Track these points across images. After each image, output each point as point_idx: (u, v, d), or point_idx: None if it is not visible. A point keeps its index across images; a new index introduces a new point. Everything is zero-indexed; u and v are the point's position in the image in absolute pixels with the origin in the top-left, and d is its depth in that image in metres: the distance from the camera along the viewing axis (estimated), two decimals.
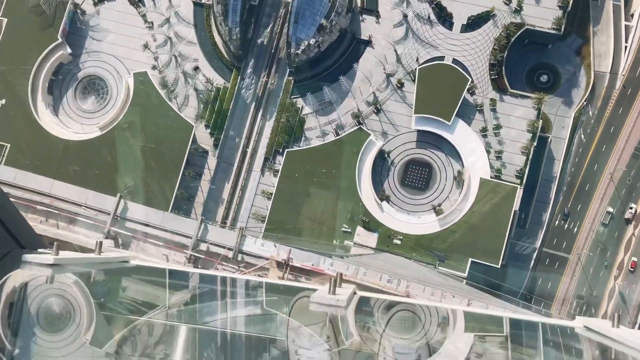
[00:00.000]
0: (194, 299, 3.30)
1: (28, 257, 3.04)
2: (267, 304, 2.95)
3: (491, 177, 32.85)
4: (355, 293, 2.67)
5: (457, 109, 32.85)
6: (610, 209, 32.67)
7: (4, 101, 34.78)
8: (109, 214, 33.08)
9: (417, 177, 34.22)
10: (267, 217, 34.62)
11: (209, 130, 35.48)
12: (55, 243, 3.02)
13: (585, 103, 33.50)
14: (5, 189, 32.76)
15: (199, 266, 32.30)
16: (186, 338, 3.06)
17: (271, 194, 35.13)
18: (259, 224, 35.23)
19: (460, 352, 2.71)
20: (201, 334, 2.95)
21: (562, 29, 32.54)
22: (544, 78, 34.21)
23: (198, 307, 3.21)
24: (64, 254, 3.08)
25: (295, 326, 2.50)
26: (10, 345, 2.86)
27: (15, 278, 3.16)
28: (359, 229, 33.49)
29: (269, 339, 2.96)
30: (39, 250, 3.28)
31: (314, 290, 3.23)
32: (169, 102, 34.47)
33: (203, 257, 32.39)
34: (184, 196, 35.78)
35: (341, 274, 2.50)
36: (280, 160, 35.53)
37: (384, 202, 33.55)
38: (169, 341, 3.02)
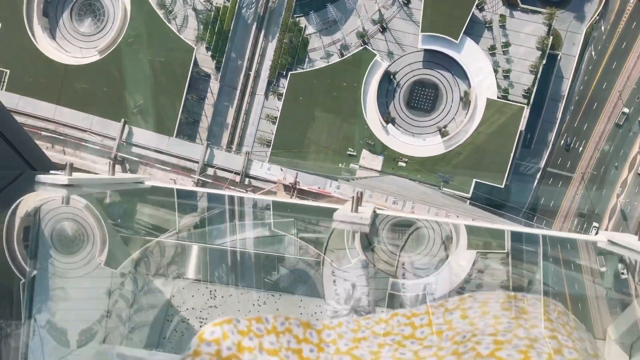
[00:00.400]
0: (203, 221, 3.38)
1: (42, 177, 3.04)
2: (275, 225, 3.02)
3: (498, 97, 32.16)
4: (375, 212, 2.70)
5: (465, 27, 31.75)
6: (626, 110, 31.99)
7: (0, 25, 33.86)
8: (114, 139, 33.18)
9: (423, 98, 33.59)
10: (272, 142, 34.48)
11: (210, 53, 34.61)
12: (68, 163, 3.01)
13: (597, 18, 32.13)
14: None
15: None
16: (197, 259, 3.17)
17: (276, 118, 34.69)
18: (264, 148, 35.17)
19: (463, 269, 2.80)
20: (212, 254, 3.06)
21: None
22: None
23: (208, 229, 3.29)
24: (78, 175, 3.10)
25: (334, 245, 2.62)
26: (29, 267, 2.97)
27: (27, 202, 3.22)
28: (364, 152, 33.43)
29: (277, 258, 3.06)
30: (52, 172, 3.29)
31: (333, 209, 3.30)
32: (167, 24, 33.38)
33: (210, 181, 32.65)
34: (188, 121, 35.46)
35: (361, 193, 2.52)
36: (284, 83, 34.78)
37: (390, 125, 33.19)
38: (181, 261, 3.14)
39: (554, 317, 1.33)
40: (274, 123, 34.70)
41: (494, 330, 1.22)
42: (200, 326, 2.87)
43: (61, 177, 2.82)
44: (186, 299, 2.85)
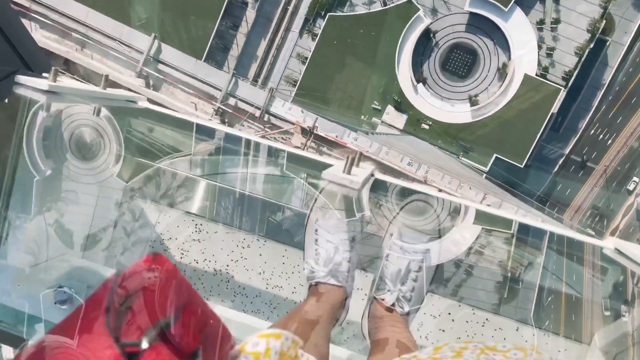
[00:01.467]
0: (218, 150, 3.41)
1: (22, 78, 2.95)
2: (286, 168, 3.05)
3: (536, 75, 31.23)
4: (372, 175, 2.64)
5: None
6: None
7: None
8: (142, 53, 32.97)
9: (460, 63, 32.70)
10: (298, 82, 34.08)
11: None
12: (54, 68, 2.86)
13: None
14: (44, 11, 32.61)
15: (226, 120, 32.79)
16: (207, 186, 3.22)
17: (306, 58, 34.10)
18: (289, 87, 34.86)
19: (465, 241, 2.82)
20: (223, 182, 3.11)
21: None
22: None
23: (221, 158, 3.33)
24: (64, 82, 3.03)
25: (322, 204, 2.56)
26: (45, 166, 3.05)
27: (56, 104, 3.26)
28: (389, 108, 32.97)
29: (284, 199, 3.11)
30: (44, 74, 3.25)
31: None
32: None
33: (230, 111, 32.57)
34: (219, 47, 35.01)
35: (360, 153, 2.45)
36: (321, 23, 33.94)
37: (420, 84, 32.55)
38: (191, 186, 3.19)
39: None
40: (303, 63, 34.16)
41: None
42: (181, 258, 2.95)
43: (42, 82, 2.77)
44: (170, 228, 2.93)
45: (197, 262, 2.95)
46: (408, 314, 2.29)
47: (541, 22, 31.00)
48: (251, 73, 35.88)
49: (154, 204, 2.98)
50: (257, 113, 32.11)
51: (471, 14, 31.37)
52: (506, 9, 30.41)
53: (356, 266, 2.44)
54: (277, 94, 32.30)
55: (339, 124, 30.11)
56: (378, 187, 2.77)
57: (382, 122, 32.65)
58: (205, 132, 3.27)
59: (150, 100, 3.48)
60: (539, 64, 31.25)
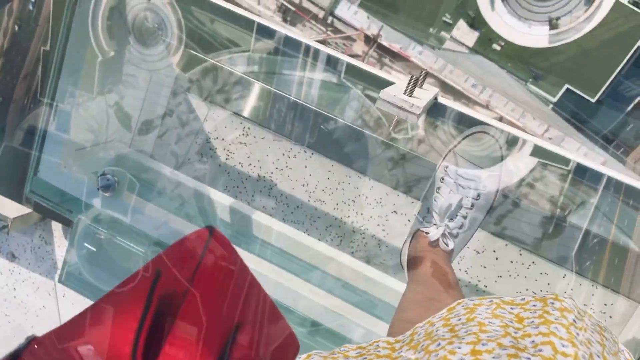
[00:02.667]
0: (277, 50, 3.37)
1: None
2: (344, 78, 2.98)
3: (629, 2, 28.66)
4: (436, 98, 2.51)
5: None
6: None
7: None
8: None
9: None
10: None
11: None
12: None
13: None
14: None
15: (288, 18, 31.98)
16: (262, 87, 3.21)
17: None
18: None
19: (519, 172, 2.75)
20: (277, 86, 3.08)
21: None
22: None
23: (279, 59, 3.29)
24: None
25: (461, 152, 2.41)
26: (107, 47, 3.11)
27: None
28: (461, 23, 31.17)
29: (338, 109, 3.07)
30: None
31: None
32: None
33: (293, 9, 31.73)
34: None
35: (426, 73, 2.30)
36: None
37: (499, 0, 30.53)
38: (247, 84, 3.19)
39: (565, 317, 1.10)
40: None
41: (474, 338, 1.06)
42: (226, 159, 3.02)
43: None
44: (219, 127, 2.95)
45: (241, 166, 3.02)
46: (452, 251, 2.18)
47: None
48: None
49: (203, 100, 3.03)
50: (321, 14, 31.04)
51: None
52: None
53: (473, 229, 2.34)
54: None
55: (405, 35, 28.83)
56: (436, 109, 2.69)
57: (451, 37, 31.00)
58: (265, 31, 3.21)
59: None
60: None
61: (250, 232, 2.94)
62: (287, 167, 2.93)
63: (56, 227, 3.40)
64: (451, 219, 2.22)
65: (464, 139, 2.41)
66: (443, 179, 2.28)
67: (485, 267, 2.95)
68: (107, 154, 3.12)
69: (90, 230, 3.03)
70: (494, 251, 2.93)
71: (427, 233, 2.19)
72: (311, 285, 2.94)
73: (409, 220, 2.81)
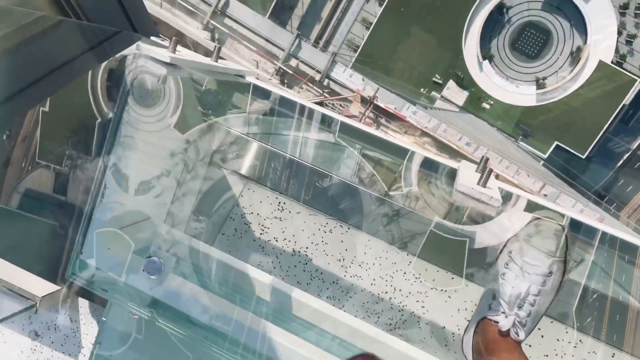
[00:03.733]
0: (272, 111, 3.42)
1: (144, 47, 3.00)
2: (338, 137, 2.99)
3: (612, 62, 29.57)
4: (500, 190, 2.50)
5: None
6: None
7: None
8: (211, 5, 33.18)
9: (531, 42, 31.18)
10: (360, 47, 33.55)
11: None
12: (174, 38, 2.92)
13: None
14: None
15: (286, 81, 32.80)
16: (258, 146, 3.23)
17: (371, 23, 33.37)
18: (350, 52, 34.40)
19: (513, 227, 2.72)
20: (273, 145, 3.10)
21: None
22: None
23: (275, 119, 3.33)
24: (181, 53, 3.04)
25: (524, 236, 2.30)
26: (107, 109, 3.15)
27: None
28: (451, 83, 32.01)
29: (333, 167, 3.08)
30: (153, 38, 3.26)
31: (402, 148, 3.13)
32: None
33: (291, 72, 32.55)
34: (284, 5, 34.90)
35: (487, 160, 2.24)
36: None
37: (486, 61, 31.35)
38: (243, 144, 3.21)
39: None
40: (367, 29, 33.50)
41: None
42: (261, 234, 2.97)
43: (164, 53, 2.80)
44: (254, 202, 2.91)
45: (276, 240, 2.96)
46: (522, 341, 2.08)
47: (625, 7, 28.99)
48: (313, 34, 35.55)
49: (237, 176, 3.01)
50: (318, 77, 31.96)
51: None
52: None
53: (540, 316, 2.26)
54: (338, 59, 31.94)
55: (399, 96, 29.53)
56: (429, 165, 2.71)
57: (442, 97, 31.78)
58: (262, 93, 3.27)
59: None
60: (617, 51, 29.38)
61: (289, 311, 2.82)
62: (322, 241, 2.84)
63: (83, 304, 3.24)
64: (520, 307, 2.09)
65: (526, 225, 2.34)
66: (507, 264, 2.18)
67: (530, 346, 2.86)
68: (104, 214, 3.09)
69: (125, 310, 2.93)
70: (539, 329, 2.84)
71: (497, 322, 2.08)
72: None
73: (449, 297, 2.70)
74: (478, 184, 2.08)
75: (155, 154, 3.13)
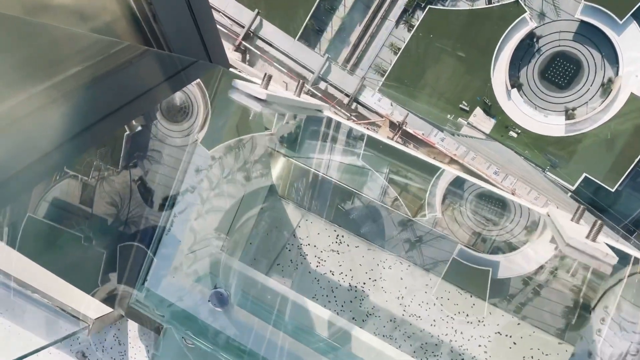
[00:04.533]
0: (297, 131, 3.41)
1: (239, 84, 3.00)
2: (364, 158, 2.95)
3: None
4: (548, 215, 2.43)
5: (635, 8, 28.27)
6: None
7: None
8: (244, 26, 33.79)
9: (561, 72, 30.88)
10: (388, 72, 33.68)
11: None
12: (267, 75, 2.92)
13: None
14: None
15: None
16: (283, 165, 3.22)
17: (399, 48, 33.56)
18: (377, 76, 34.55)
19: (538, 258, 2.61)
20: (296, 166, 3.09)
21: None
22: None
23: (300, 140, 3.32)
24: (271, 89, 3.05)
25: (622, 295, 2.20)
26: (135, 121, 3.19)
27: None
28: (478, 110, 31.80)
29: (358, 189, 3.04)
30: (234, 71, 3.28)
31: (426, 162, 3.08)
32: None
33: (320, 95, 32.87)
34: (314, 28, 35.33)
35: (584, 210, 2.17)
36: (419, 15, 33.19)
37: (514, 90, 31.09)
38: (267, 163, 3.21)
39: None
40: (395, 53, 33.63)
41: None
42: (317, 266, 2.93)
43: (260, 90, 2.79)
44: (311, 233, 2.85)
45: (332, 274, 2.90)
46: None
47: None
48: (341, 58, 35.83)
49: (297, 207, 2.99)
50: (346, 100, 32.09)
51: (582, 22, 29.41)
52: (621, 22, 28.27)
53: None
54: (366, 83, 32.06)
55: (428, 122, 29.40)
56: (454, 191, 2.66)
57: (468, 124, 31.56)
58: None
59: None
60: None
61: (349, 350, 2.72)
62: (381, 278, 2.74)
63: (132, 327, 3.19)
64: None
65: (620, 280, 2.20)
66: (604, 319, 2.04)
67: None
68: (128, 228, 3.10)
69: (179, 338, 2.90)
70: (521, 337, 2.72)
71: None
72: None
73: (514, 343, 2.58)
74: (588, 237, 1.95)
75: (182, 170, 3.15)
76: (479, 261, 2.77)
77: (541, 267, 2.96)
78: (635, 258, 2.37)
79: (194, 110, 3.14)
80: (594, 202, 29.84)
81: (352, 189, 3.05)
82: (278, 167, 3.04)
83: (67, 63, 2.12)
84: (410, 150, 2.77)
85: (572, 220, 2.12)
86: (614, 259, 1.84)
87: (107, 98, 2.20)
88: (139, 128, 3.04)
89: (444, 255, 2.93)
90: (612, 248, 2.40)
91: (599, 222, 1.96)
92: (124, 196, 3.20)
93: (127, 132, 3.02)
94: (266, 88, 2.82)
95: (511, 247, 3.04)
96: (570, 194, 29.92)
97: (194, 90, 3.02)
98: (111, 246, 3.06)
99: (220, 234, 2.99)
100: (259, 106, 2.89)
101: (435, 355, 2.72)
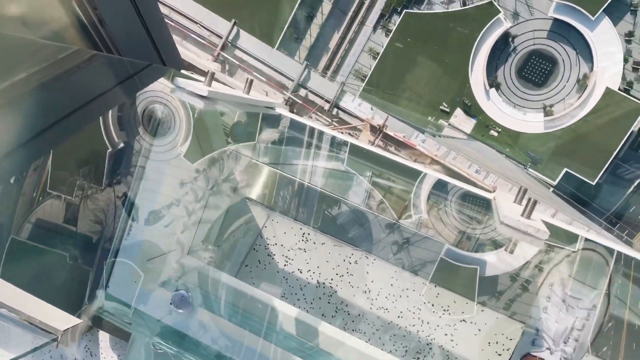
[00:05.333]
0: (282, 139, 3.42)
1: (181, 82, 3.02)
2: (349, 163, 2.97)
3: (619, 89, 29.58)
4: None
5: (606, 4, 28.87)
6: None
7: None
8: (221, 37, 33.76)
9: (538, 70, 31.37)
10: (368, 77, 33.92)
11: None
12: (210, 72, 2.95)
13: None
14: None
15: (295, 110, 33.11)
16: (267, 174, 3.23)
17: (378, 53, 33.77)
18: (358, 82, 34.76)
19: (525, 254, 2.65)
20: (281, 175, 3.09)
21: None
22: None
23: (284, 148, 3.33)
24: (215, 87, 3.08)
25: (564, 272, 2.25)
26: (118, 138, 3.18)
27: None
28: (458, 111, 32.14)
29: (343, 194, 3.06)
30: (184, 72, 3.31)
31: (412, 169, 3.12)
32: None
33: (300, 102, 32.91)
34: (292, 36, 35.46)
35: (525, 190, 2.19)
36: (396, 20, 33.50)
37: (493, 89, 31.49)
38: (252, 172, 3.21)
39: None
40: (374, 58, 33.88)
41: None
42: (285, 265, 2.93)
43: (202, 87, 2.81)
44: (277, 234, 2.87)
45: (300, 272, 2.92)
46: None
47: (630, 35, 29.15)
48: (321, 65, 36.01)
49: (263, 208, 3.00)
50: (327, 106, 32.22)
51: (555, 20, 29.92)
52: (593, 18, 28.82)
53: (584, 352, 2.17)
54: (346, 88, 32.22)
55: (408, 125, 29.64)
56: (438, 193, 2.69)
57: (449, 124, 31.88)
58: (270, 121, 3.28)
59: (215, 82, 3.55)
60: (623, 78, 29.45)
61: (316, 344, 2.74)
62: (347, 273, 2.78)
63: (103, 337, 3.16)
64: (565, 343, 1.99)
65: (566, 256, 2.24)
66: (549, 297, 2.08)
67: (500, 354, 2.79)
68: (112, 244, 3.08)
69: (149, 344, 2.88)
70: (485, 324, 2.76)
71: (542, 359, 1.98)
72: None
73: (479, 330, 2.62)
74: (522, 215, 2.02)
75: (166, 184, 3.14)
76: (465, 259, 2.81)
77: (528, 263, 3.01)
78: (582, 237, 2.46)
79: (176, 123, 3.14)
80: (576, 196, 30.28)
81: (337, 196, 3.07)
82: (263, 176, 3.05)
83: (13, 70, 2.10)
84: (392, 155, 2.81)
85: (515, 202, 2.21)
86: (545, 234, 1.95)
87: (57, 104, 2.17)
88: (122, 145, 3.03)
89: (432, 256, 2.97)
90: (562, 226, 2.48)
91: (532, 199, 2.09)
92: (109, 213, 3.18)
93: (110, 150, 3.01)
94: (209, 85, 2.84)
95: (497, 245, 3.09)
96: (552, 189, 30.32)
97: (176, 103, 3.02)
98: (92, 262, 3.04)
99: (208, 245, 2.99)
100: (202, 103, 2.91)
101: (404, 346, 2.76)
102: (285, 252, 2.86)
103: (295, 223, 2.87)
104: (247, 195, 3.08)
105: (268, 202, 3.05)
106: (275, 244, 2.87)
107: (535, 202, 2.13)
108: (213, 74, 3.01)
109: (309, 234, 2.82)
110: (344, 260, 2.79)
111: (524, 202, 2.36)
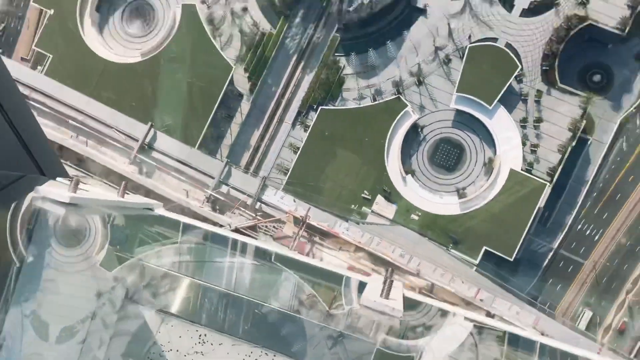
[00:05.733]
0: (205, 237, 3.35)
1: (42, 189, 2.87)
2: (276, 259, 2.94)
3: (522, 170, 32.02)
4: (403, 296, 2.50)
5: (500, 95, 31.93)
6: None
7: (52, 11, 35.03)
8: (137, 140, 33.58)
9: (447, 156, 33.59)
10: (290, 171, 34.69)
11: (247, 74, 35.24)
12: (75, 178, 2.85)
13: (634, 111, 32.20)
14: (42, 99, 33.46)
15: (217, 207, 32.84)
16: (191, 277, 3.12)
17: (298, 148, 34.94)
18: (281, 175, 35.38)
19: (458, 337, 2.67)
20: (206, 276, 3.00)
21: (627, 30, 30.67)
22: (596, 78, 32.49)
23: (208, 248, 3.26)
24: (83, 192, 2.96)
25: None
26: (26, 252, 2.97)
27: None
28: (379, 198, 33.32)
29: (271, 292, 2.99)
30: (58, 179, 3.19)
31: (333, 272, 3.12)
32: (212, 39, 34.05)
33: (222, 199, 32.79)
34: (213, 136, 35.93)
35: (392, 271, 2.25)
36: (313, 116, 35.13)
37: (409, 176, 33.15)
38: (175, 276, 3.10)
39: None
40: (295, 153, 34.94)
41: None
42: None
43: (63, 194, 2.73)
44: (172, 338, 2.75)
45: None
46: None
47: (524, 120, 32.30)
48: (243, 161, 36.50)
49: (155, 311, 2.86)
50: (249, 201, 32.31)
51: (457, 111, 32.69)
52: (490, 107, 31.74)
53: None
54: (268, 182, 32.66)
55: (331, 214, 30.23)
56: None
57: (372, 211, 32.87)
58: (191, 229, 3.23)
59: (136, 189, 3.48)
60: (524, 159, 32.18)
61: None
62: None
63: None
64: None
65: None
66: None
67: None
68: None
69: None
70: None
71: None
72: None
73: None
74: (381, 296, 2.09)
75: (81, 296, 2.94)
76: (400, 348, 2.80)
77: (462, 345, 3.02)
78: (442, 310, 2.62)
79: (91, 230, 3.01)
80: (497, 273, 31.50)
81: (263, 303, 3.01)
82: (186, 280, 2.94)
83: None
84: (314, 261, 2.83)
85: (384, 282, 2.32)
86: (399, 312, 2.05)
87: None
88: (31, 259, 2.83)
89: (367, 347, 2.94)
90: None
91: (389, 280, 2.23)
92: (15, 336, 2.89)
93: (17, 265, 2.80)
94: (74, 191, 2.80)
95: (431, 330, 3.10)
96: (475, 268, 31.41)
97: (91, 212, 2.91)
98: None
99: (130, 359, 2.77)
100: (62, 210, 2.85)
101: None
102: (182, 358, 2.72)
103: (191, 325, 2.77)
104: (171, 302, 2.94)
105: (194, 307, 2.93)
106: (171, 349, 2.73)
107: (392, 282, 2.26)
108: (78, 180, 2.96)
109: (205, 334, 2.72)
110: (244, 359, 2.70)
111: (387, 283, 2.48)
